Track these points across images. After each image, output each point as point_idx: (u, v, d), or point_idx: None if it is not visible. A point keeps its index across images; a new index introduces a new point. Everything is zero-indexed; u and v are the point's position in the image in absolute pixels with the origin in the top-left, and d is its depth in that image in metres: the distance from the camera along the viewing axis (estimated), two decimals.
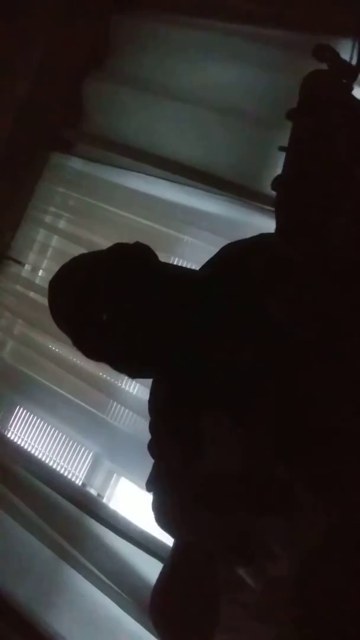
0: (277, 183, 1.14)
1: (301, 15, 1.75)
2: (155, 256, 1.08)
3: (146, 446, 1.87)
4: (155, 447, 1.09)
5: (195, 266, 1.81)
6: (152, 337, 1.00)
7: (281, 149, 1.13)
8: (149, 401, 1.12)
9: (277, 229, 1.12)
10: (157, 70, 2.07)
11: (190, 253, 1.91)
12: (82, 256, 1.08)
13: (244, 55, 1.87)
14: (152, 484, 1.05)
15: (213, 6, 1.96)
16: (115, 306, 0.98)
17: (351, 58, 1.15)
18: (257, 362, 0.96)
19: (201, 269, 1.13)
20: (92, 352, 1.04)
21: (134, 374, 1.08)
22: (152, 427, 1.10)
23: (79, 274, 1.04)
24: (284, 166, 1.15)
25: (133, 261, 1.03)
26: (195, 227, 1.91)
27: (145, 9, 2.11)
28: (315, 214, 1.04)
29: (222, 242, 1.76)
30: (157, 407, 1.11)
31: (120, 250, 1.06)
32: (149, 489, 1.06)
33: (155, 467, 1.07)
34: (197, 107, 1.95)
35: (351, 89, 1.13)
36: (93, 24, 2.20)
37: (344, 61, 1.12)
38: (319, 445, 0.92)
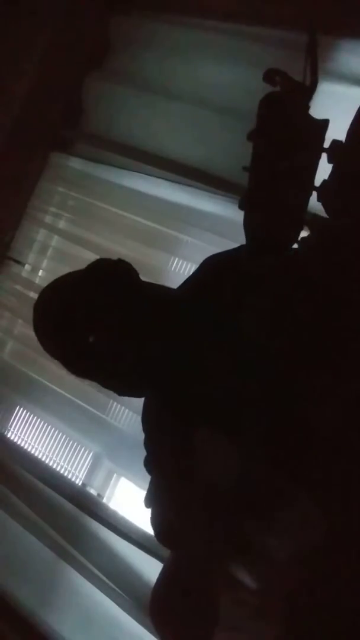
0: (243, 201, 1.18)
1: (301, 15, 1.75)
2: (136, 273, 1.09)
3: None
4: (151, 463, 1.09)
5: (196, 266, 1.81)
6: (137, 356, 1.01)
7: (244, 169, 1.18)
8: (142, 419, 1.13)
9: (245, 244, 1.15)
10: (157, 70, 2.07)
11: (190, 253, 1.91)
12: (64, 277, 1.09)
13: (244, 55, 1.87)
14: (150, 500, 1.06)
15: (213, 6, 1.96)
16: (98, 327, 0.99)
17: (304, 77, 1.18)
18: (240, 373, 0.97)
19: (181, 285, 1.15)
20: (80, 371, 1.06)
21: (121, 392, 1.09)
22: (147, 444, 1.11)
23: (61, 295, 1.05)
24: (248, 185, 1.19)
25: (114, 280, 1.04)
26: (195, 227, 1.91)
27: (145, 9, 2.11)
28: (276, 230, 1.10)
29: (222, 242, 1.78)
30: (151, 424, 1.11)
31: (101, 269, 1.07)
32: (147, 505, 1.06)
33: (152, 483, 1.08)
34: (197, 107, 1.95)
35: (307, 107, 1.17)
36: (93, 24, 2.20)
37: (297, 82, 1.16)
38: (313, 451, 0.92)
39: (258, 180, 1.15)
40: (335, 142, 1.11)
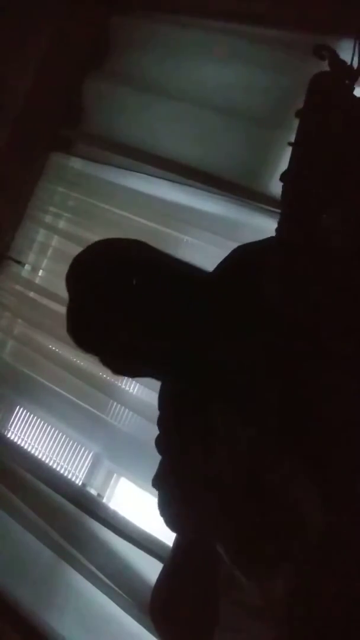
0: (283, 174, 1.21)
1: (301, 15, 1.75)
2: (154, 252, 1.08)
3: (146, 446, 1.87)
4: (162, 443, 1.09)
5: None
6: (158, 335, 1.00)
7: (289, 143, 1.22)
8: (159, 396, 1.13)
9: (280, 216, 1.19)
10: (157, 70, 2.07)
11: (190, 253, 1.91)
12: (106, 244, 1.08)
13: (244, 55, 1.87)
14: (158, 480, 1.06)
15: (213, 6, 1.96)
16: (113, 307, 0.99)
17: (352, 60, 1.20)
18: (260, 358, 0.97)
19: (214, 270, 1.14)
20: (85, 345, 1.04)
21: (118, 371, 1.08)
22: (161, 422, 1.11)
23: (81, 270, 1.05)
24: (290, 159, 1.22)
25: (130, 261, 1.04)
26: (195, 227, 1.91)
27: (145, 9, 2.11)
28: (313, 203, 1.11)
29: (222, 242, 1.78)
30: (167, 402, 1.11)
31: (118, 249, 1.06)
32: (154, 485, 1.06)
33: (161, 463, 1.08)
34: (197, 107, 1.95)
35: (352, 89, 1.19)
36: (93, 24, 2.20)
37: (343, 61, 1.18)
38: (321, 440, 0.92)
39: (301, 155, 1.19)
40: None
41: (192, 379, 1.03)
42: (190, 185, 1.92)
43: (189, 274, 1.09)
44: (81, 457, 2.00)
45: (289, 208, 1.20)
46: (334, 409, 0.93)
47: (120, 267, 1.02)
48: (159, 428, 1.11)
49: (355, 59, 1.21)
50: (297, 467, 0.92)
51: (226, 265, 1.12)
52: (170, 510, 1.02)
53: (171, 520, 1.02)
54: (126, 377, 1.10)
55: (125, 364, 1.05)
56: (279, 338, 0.97)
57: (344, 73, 1.18)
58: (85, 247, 1.07)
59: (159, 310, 0.99)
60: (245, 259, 1.11)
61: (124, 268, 1.02)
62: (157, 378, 1.12)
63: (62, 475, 2.00)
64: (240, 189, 1.82)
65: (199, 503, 0.95)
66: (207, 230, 1.87)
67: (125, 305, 0.99)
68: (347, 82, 1.19)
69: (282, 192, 1.22)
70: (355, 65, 1.22)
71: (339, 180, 1.11)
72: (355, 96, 1.18)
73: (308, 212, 1.15)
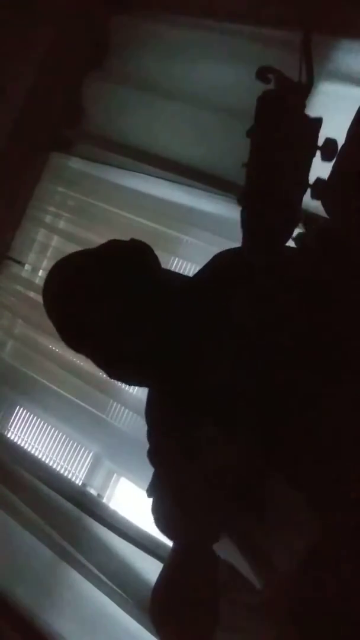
0: (242, 197, 1.18)
1: (301, 16, 1.75)
2: (153, 253, 1.08)
3: (146, 446, 1.87)
4: (154, 456, 1.10)
5: (196, 266, 1.81)
6: (136, 344, 1.01)
7: (243, 165, 1.20)
8: (146, 411, 1.13)
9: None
10: (157, 70, 2.07)
11: (190, 253, 1.91)
12: (76, 254, 1.08)
13: (244, 55, 1.87)
14: (152, 490, 1.06)
15: (213, 6, 1.96)
16: (100, 309, 0.99)
17: (300, 76, 1.16)
18: (238, 367, 0.97)
19: (194, 275, 1.14)
20: (75, 347, 1.06)
21: (111, 376, 1.08)
22: (150, 436, 1.11)
23: (69, 272, 1.05)
24: (245, 181, 1.20)
25: (121, 264, 1.04)
26: (195, 227, 1.91)
27: (145, 9, 2.11)
28: (272, 225, 1.12)
29: (222, 242, 1.78)
30: (154, 417, 1.12)
31: (115, 250, 1.07)
32: (149, 495, 1.07)
33: (155, 474, 1.08)
34: (197, 107, 1.95)
35: (303, 106, 1.16)
36: (93, 24, 2.20)
37: (291, 80, 1.15)
38: (304, 447, 0.93)
39: (255, 176, 1.17)
40: (328, 140, 1.11)
41: (180, 386, 1.03)
42: (190, 185, 1.92)
43: (171, 279, 1.10)
44: (81, 457, 2.00)
45: (248, 225, 1.17)
46: (320, 418, 0.93)
47: (103, 266, 1.02)
48: (149, 442, 1.11)
49: (303, 75, 1.18)
50: (283, 473, 0.92)
51: (204, 273, 1.13)
52: (163, 517, 1.02)
53: (164, 526, 1.02)
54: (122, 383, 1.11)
55: (110, 367, 1.06)
56: (257, 346, 0.97)
57: (293, 90, 1.16)
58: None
59: (134, 310, 0.99)
60: (223, 264, 1.12)
61: (107, 268, 1.02)
62: (147, 386, 1.12)
63: (62, 475, 2.00)
64: (240, 189, 1.81)
65: (190, 509, 0.95)
66: (207, 230, 1.87)
67: (102, 305, 0.99)
68: (294, 98, 1.17)
69: (242, 210, 1.19)
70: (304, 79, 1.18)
71: (296, 198, 1.12)
72: (305, 113, 1.16)
73: (266, 232, 1.13)
